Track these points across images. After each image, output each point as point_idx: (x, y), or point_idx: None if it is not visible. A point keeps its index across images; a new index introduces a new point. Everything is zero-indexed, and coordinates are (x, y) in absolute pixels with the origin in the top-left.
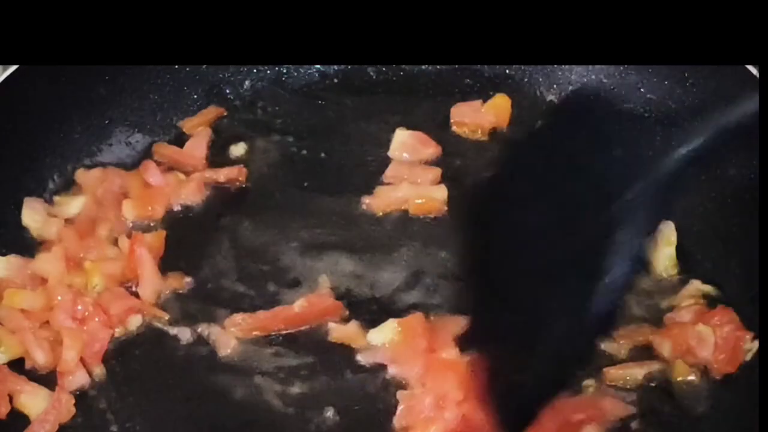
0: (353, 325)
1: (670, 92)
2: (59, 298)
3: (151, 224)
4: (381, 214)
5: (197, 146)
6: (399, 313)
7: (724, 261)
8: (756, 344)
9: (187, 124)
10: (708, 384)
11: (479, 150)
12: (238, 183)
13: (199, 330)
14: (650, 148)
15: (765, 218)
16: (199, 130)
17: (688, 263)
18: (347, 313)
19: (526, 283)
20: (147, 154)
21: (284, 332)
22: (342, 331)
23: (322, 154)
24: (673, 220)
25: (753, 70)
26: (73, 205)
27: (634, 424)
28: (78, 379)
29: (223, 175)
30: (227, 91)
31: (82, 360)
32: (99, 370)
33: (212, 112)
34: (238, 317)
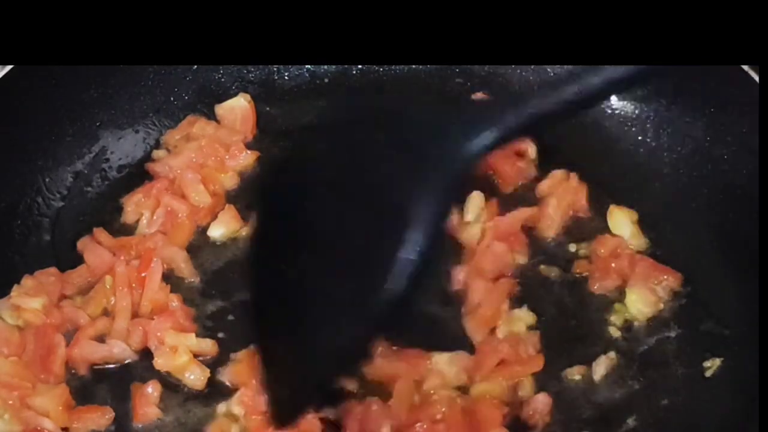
0: None
1: None
2: None
3: None
4: None
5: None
6: None
7: None
8: (717, 361)
9: (168, 139)
10: (705, 382)
11: None
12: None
13: None
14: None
15: (766, 218)
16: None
17: None
18: None
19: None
20: (138, 156)
21: None
22: None
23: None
24: None
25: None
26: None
27: (631, 421)
28: None
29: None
30: (218, 92)
31: None
32: None
33: (192, 121)
34: None
